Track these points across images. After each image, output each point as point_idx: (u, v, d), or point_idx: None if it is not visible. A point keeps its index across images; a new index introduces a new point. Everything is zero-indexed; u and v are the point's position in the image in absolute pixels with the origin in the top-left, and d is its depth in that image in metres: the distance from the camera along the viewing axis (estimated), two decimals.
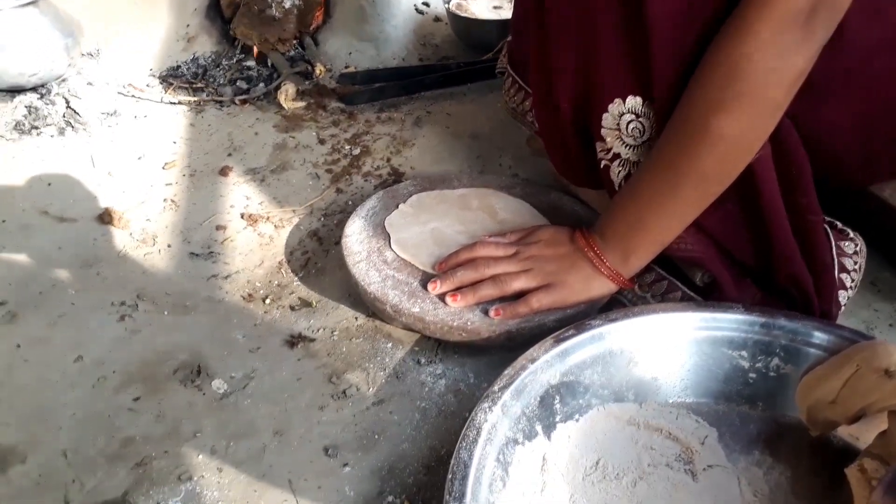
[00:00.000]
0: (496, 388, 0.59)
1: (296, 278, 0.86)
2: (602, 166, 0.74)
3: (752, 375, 0.65)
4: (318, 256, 0.89)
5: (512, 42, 0.95)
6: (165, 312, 0.80)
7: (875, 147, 0.73)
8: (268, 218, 0.96)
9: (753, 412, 0.65)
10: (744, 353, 0.65)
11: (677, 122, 0.64)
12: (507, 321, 0.71)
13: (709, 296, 0.72)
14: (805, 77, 0.60)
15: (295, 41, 1.32)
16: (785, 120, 0.64)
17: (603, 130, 0.71)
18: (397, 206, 0.88)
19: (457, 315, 0.71)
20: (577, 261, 0.73)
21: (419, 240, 0.82)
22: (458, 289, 0.73)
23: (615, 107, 0.69)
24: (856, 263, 0.73)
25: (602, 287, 0.72)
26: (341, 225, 0.88)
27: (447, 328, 0.71)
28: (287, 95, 1.17)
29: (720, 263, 0.71)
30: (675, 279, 0.75)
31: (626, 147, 0.70)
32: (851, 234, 0.74)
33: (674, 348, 0.66)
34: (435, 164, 1.06)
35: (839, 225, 0.74)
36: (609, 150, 0.72)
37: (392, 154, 1.08)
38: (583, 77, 0.70)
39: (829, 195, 0.77)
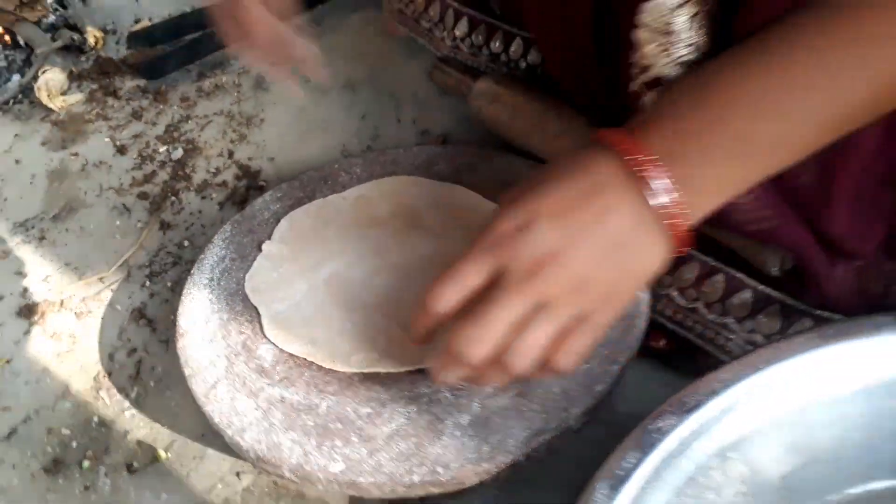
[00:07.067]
0: None
1: (126, 403, 0.52)
2: (630, 90, 0.41)
3: None
4: (153, 353, 0.55)
5: None
6: None
7: None
8: (62, 303, 0.59)
9: None
10: None
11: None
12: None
13: (790, 289, 0.43)
14: None
15: (51, 0, 0.89)
16: None
17: (641, 32, 0.38)
18: (259, 248, 0.53)
19: (413, 457, 0.39)
20: (603, 193, 0.35)
21: (312, 308, 0.48)
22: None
23: None
24: None
25: (654, 247, 0.35)
26: (180, 286, 0.54)
27: (402, 487, 0.38)
28: (51, 89, 0.76)
29: (806, 236, 0.42)
30: (733, 270, 0.44)
31: (676, 66, 0.38)
32: None
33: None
34: (302, 144, 0.70)
35: None
36: (645, 67, 0.40)
37: (233, 143, 0.71)
38: None
39: None
